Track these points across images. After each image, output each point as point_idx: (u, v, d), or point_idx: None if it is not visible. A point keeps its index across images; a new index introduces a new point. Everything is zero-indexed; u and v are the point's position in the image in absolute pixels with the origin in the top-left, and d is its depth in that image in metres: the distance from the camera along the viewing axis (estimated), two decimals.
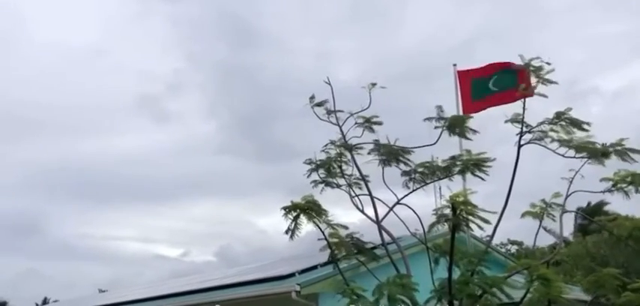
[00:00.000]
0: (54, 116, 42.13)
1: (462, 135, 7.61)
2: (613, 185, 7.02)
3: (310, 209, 7.13)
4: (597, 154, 6.97)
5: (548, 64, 7.12)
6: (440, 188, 7.84)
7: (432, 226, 7.07)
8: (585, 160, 7.09)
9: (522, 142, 7.34)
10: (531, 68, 7.19)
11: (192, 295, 14.52)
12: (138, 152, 42.25)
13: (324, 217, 7.25)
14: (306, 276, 11.64)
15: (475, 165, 7.03)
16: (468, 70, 10.25)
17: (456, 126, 7.53)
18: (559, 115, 7.12)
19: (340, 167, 8.03)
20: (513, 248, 28.23)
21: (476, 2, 32.74)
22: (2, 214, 43.38)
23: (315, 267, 11.92)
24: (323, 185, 7.97)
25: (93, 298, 24.82)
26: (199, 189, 44.78)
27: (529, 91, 7.32)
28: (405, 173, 7.66)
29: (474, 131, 7.63)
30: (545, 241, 22.01)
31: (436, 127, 7.54)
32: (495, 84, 9.31)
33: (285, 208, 7.17)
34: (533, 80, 7.18)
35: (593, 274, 7.65)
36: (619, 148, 7.03)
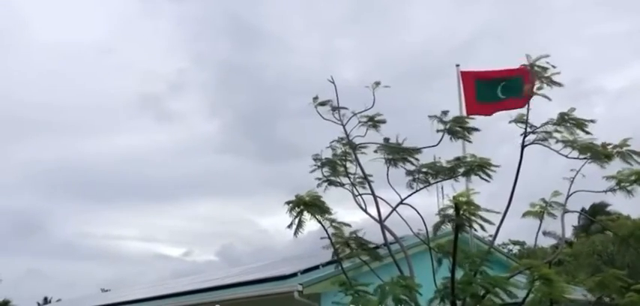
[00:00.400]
0: (56, 116, 42.18)
1: (464, 138, 7.60)
2: (617, 184, 7.01)
3: (314, 205, 7.11)
4: (600, 155, 6.96)
5: (553, 67, 7.12)
6: (442, 188, 7.84)
7: (436, 226, 7.07)
8: (587, 160, 7.08)
9: (526, 143, 7.34)
10: (536, 68, 7.18)
11: (195, 294, 14.53)
12: (140, 151, 42.36)
13: (327, 214, 7.23)
14: (309, 276, 11.65)
15: (480, 167, 7.03)
16: (471, 72, 10.24)
17: (458, 129, 7.51)
18: (563, 117, 7.12)
19: (345, 166, 8.02)
20: (515, 248, 28.24)
21: (478, 2, 32.76)
22: (5, 214, 43.49)
23: (317, 267, 11.92)
24: (327, 183, 7.95)
25: (94, 297, 24.85)
26: (201, 188, 44.87)
27: (529, 93, 7.36)
28: (409, 173, 7.66)
29: (475, 129, 7.61)
30: (548, 241, 22.05)
31: (439, 131, 7.52)
32: (503, 91, 9.31)
33: (289, 203, 7.11)
34: (536, 82, 7.19)
35: (596, 275, 7.65)
36: (622, 150, 7.02)
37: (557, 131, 7.15)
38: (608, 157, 6.99)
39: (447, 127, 7.51)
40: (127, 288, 24.96)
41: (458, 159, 7.34)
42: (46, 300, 40.39)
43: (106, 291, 29.08)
